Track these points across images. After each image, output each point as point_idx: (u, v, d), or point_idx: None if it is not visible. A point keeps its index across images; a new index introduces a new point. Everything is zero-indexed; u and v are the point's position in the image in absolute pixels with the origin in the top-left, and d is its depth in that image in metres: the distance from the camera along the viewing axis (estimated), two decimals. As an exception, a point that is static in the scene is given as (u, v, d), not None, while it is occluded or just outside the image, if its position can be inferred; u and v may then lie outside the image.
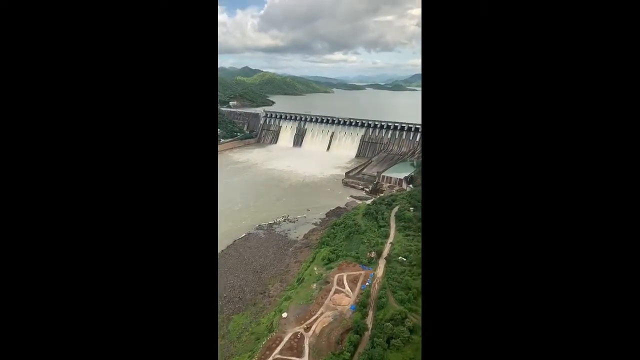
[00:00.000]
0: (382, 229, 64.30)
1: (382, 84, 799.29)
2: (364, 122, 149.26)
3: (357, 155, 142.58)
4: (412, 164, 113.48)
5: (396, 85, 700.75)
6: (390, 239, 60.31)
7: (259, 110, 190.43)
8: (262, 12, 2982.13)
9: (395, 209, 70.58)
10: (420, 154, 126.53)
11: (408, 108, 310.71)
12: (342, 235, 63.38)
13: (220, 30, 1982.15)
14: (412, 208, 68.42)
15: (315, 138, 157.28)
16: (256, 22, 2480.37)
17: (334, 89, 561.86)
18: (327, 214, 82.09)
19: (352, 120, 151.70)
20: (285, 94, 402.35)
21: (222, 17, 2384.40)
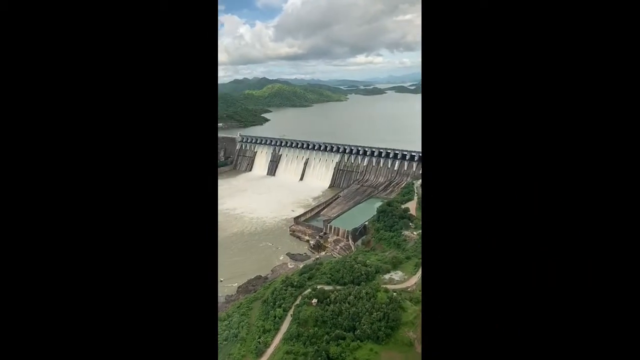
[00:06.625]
0: (264, 335, 47.37)
1: (406, 85, 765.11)
2: (339, 146, 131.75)
3: (331, 186, 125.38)
4: (381, 202, 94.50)
5: (418, 87, 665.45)
6: (261, 361, 43.35)
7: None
8: (275, 22, 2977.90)
9: (300, 298, 53.23)
10: (396, 186, 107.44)
11: (416, 119, 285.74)
12: (212, 345, 47.19)
13: (241, 42, 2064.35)
14: (315, 300, 50.67)
15: (290, 165, 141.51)
16: (271, 33, 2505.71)
17: (349, 95, 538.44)
18: (239, 289, 66.00)
19: (326, 145, 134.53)
20: (293, 105, 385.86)
21: (243, 28, 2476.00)
